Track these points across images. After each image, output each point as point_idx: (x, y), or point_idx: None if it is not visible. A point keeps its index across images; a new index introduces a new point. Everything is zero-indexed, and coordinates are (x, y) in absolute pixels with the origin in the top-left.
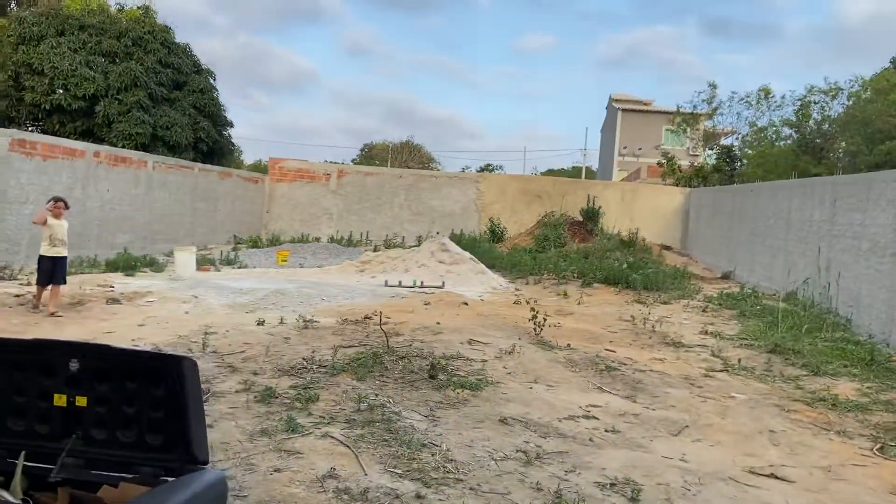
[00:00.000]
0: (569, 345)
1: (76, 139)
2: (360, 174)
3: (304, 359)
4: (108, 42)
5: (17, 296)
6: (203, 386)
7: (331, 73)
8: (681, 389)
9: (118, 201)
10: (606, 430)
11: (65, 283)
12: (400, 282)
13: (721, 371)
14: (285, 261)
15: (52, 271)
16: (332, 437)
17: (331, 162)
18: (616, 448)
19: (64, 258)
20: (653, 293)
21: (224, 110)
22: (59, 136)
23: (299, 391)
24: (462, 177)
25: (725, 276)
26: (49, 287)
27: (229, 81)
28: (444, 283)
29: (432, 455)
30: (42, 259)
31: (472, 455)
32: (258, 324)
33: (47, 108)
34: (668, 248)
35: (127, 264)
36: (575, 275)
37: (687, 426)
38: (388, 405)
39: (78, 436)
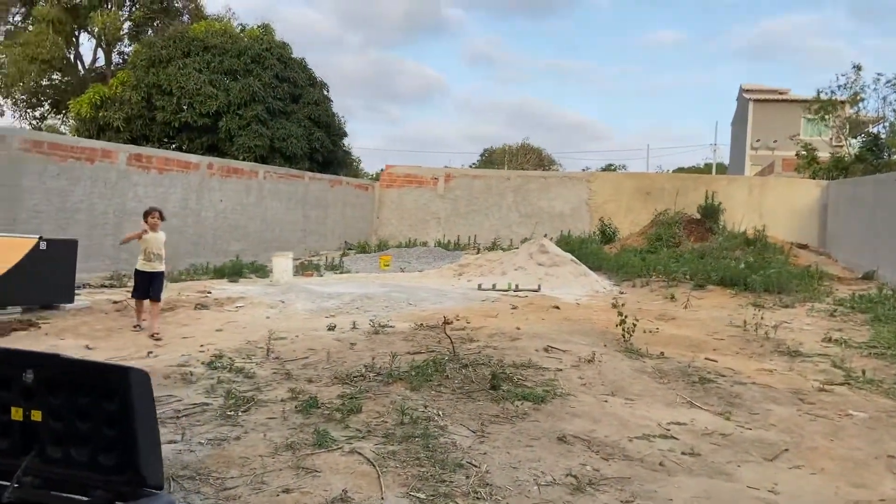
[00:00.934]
0: (662, 353)
1: (203, 154)
2: (468, 177)
3: (364, 366)
4: (230, 61)
5: (115, 302)
6: (249, 394)
7: (456, 82)
8: (786, 406)
9: (231, 211)
10: (684, 453)
11: (159, 299)
12: (494, 285)
13: (840, 384)
14: (387, 265)
15: (147, 286)
16: (360, 453)
17: (446, 167)
18: (690, 475)
19: (160, 273)
20: (774, 296)
21: (342, 121)
22: (189, 151)
23: (344, 401)
24: (573, 176)
25: (867, 277)
26: (146, 302)
27: (361, 95)
28: (539, 286)
29: (466, 477)
30: (137, 273)
31: (514, 478)
32: (329, 329)
33: (176, 125)
34: (803, 246)
35: (233, 271)
36: (687, 276)
37: (786, 449)
38: (436, 418)
39: (35, 453)
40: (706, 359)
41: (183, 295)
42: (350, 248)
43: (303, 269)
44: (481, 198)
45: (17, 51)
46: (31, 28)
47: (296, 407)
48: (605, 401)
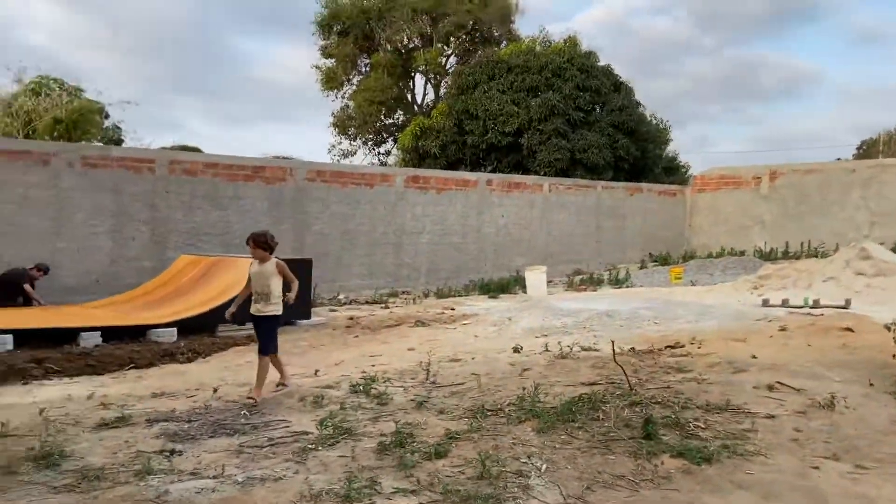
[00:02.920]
0: None
1: (508, 172)
2: (798, 173)
3: (517, 397)
4: (531, 78)
5: (351, 318)
6: (354, 425)
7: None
8: None
9: (513, 225)
10: None
11: (266, 352)
12: (786, 300)
13: None
14: (678, 278)
15: (258, 334)
16: None
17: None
18: None
19: (266, 319)
20: None
21: (659, 126)
22: (496, 171)
23: (441, 441)
24: None
25: None
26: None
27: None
28: (849, 301)
29: None
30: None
31: None
32: (515, 351)
33: (484, 147)
34: None
35: (498, 287)
36: None
37: None
38: (531, 473)
39: None
40: None
41: (428, 311)
42: (654, 260)
43: (585, 282)
44: (816, 196)
45: (361, 96)
46: (371, 75)
47: (378, 445)
48: (816, 467)
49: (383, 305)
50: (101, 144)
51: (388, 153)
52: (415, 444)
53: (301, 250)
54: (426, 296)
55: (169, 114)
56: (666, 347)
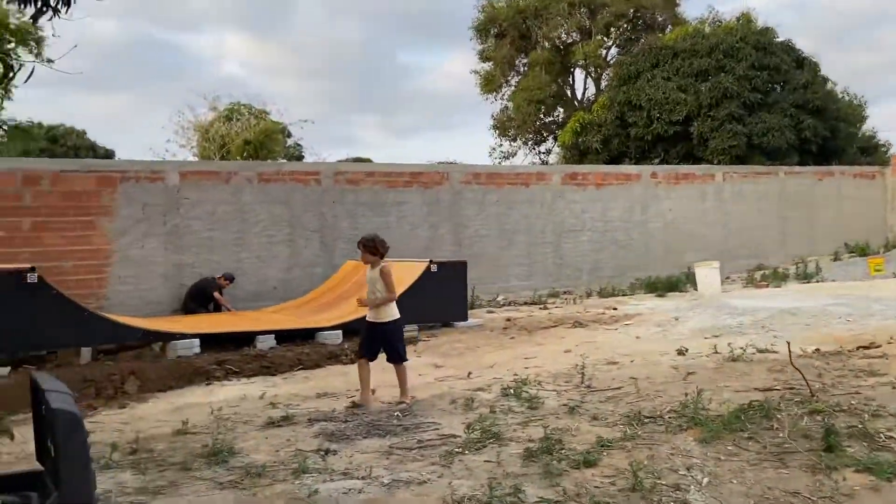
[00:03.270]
0: None
1: (677, 163)
2: None
3: (680, 403)
4: (699, 61)
5: (508, 319)
6: (504, 429)
7: None
8: None
9: (683, 219)
10: None
11: (398, 360)
12: None
13: None
14: (879, 270)
15: (370, 342)
16: None
17: None
18: None
19: (383, 325)
20: None
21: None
22: (664, 162)
23: (591, 448)
24: None
25: None
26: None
27: None
28: None
29: None
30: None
31: None
32: (679, 353)
33: (649, 138)
34: None
35: (666, 285)
36: None
37: None
38: (691, 488)
39: None
40: None
41: (588, 311)
42: (850, 251)
43: (767, 278)
44: None
45: (519, 97)
46: (529, 74)
47: (525, 451)
48: None
49: (542, 306)
50: (275, 161)
51: (548, 152)
52: (563, 451)
53: (459, 252)
54: (588, 296)
55: (346, 130)
56: (857, 348)
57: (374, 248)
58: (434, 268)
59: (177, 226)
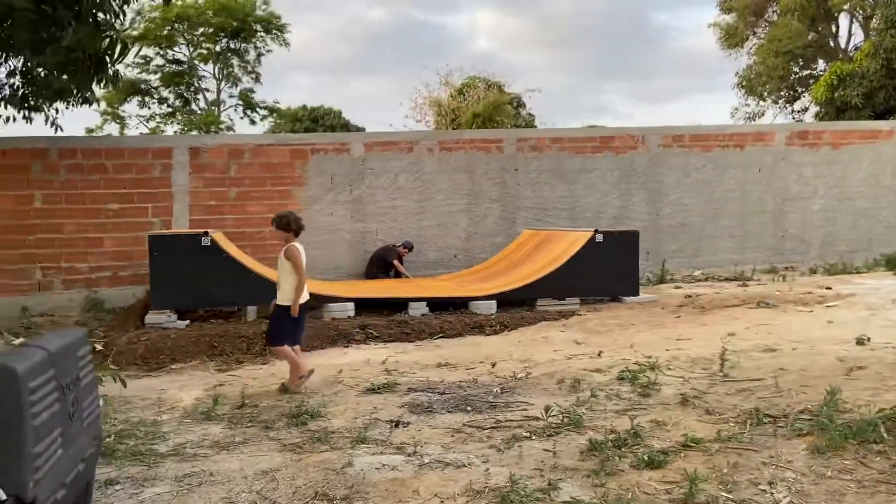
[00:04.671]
0: None
1: None
2: None
3: (824, 404)
4: None
5: (688, 296)
6: (590, 417)
7: None
8: None
9: None
10: None
11: (269, 342)
12: None
13: None
14: None
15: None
16: None
17: None
18: None
19: (277, 306)
20: None
21: None
22: None
23: (666, 448)
24: None
25: None
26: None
27: None
28: None
29: None
30: None
31: None
32: (858, 343)
33: None
34: None
35: None
36: None
37: None
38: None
39: None
40: None
41: (788, 291)
42: None
43: None
44: None
45: (767, 49)
46: (778, 23)
47: (590, 443)
48: None
49: (742, 283)
50: (456, 130)
51: (804, 110)
52: (637, 447)
53: (655, 223)
54: (813, 272)
55: (596, 99)
56: None
57: (286, 226)
58: (599, 237)
59: (361, 195)
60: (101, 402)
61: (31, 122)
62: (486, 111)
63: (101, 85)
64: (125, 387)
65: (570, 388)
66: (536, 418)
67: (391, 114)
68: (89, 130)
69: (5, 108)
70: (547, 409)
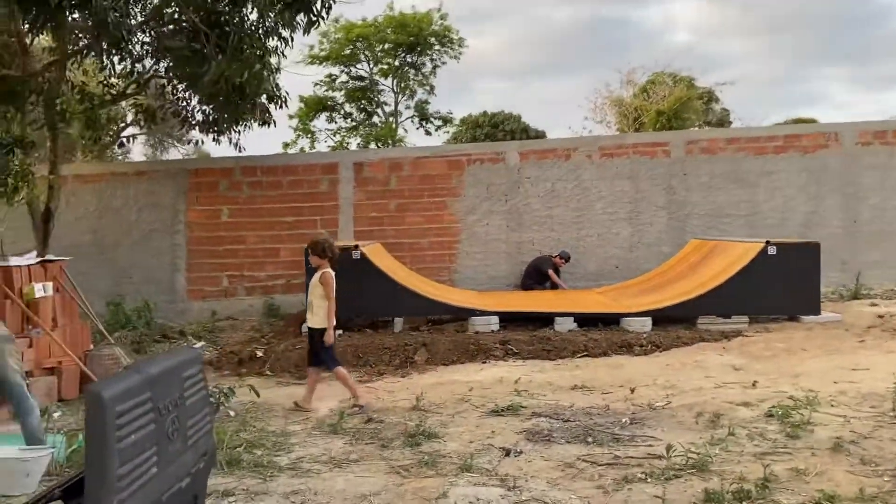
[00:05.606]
0: None
1: None
2: None
3: None
4: None
5: (880, 317)
6: (709, 459)
7: None
8: None
9: None
10: None
11: (320, 364)
12: None
13: None
14: None
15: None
16: None
17: None
18: None
19: (311, 331)
20: None
21: None
22: None
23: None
24: None
25: None
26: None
27: None
28: None
29: None
30: None
31: None
32: None
33: None
34: None
35: None
36: None
37: None
38: None
39: None
40: None
41: None
42: None
43: None
44: None
45: None
46: None
47: (705, 494)
48: None
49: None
50: (619, 133)
51: None
52: (761, 501)
53: (851, 230)
54: None
55: (808, 87)
56: None
57: (321, 252)
58: (772, 250)
59: (516, 204)
60: (238, 412)
61: (219, 144)
62: (671, 108)
63: (246, 115)
64: (258, 397)
65: (709, 423)
66: (660, 456)
67: (574, 116)
68: (285, 145)
69: (199, 132)
70: (668, 447)
